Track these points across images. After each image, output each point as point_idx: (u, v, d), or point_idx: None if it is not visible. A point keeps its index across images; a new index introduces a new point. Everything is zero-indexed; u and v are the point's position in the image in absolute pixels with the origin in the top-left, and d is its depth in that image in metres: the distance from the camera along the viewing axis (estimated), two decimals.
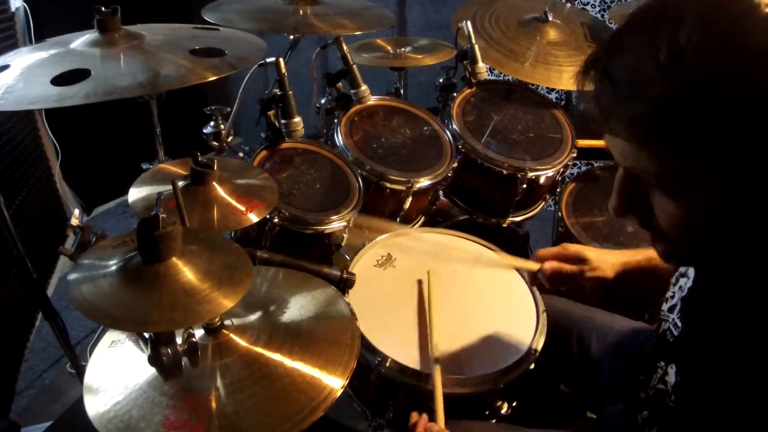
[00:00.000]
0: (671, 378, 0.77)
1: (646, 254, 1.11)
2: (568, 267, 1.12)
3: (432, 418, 0.99)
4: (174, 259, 0.73)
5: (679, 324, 0.80)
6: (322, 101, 1.69)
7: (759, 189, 0.58)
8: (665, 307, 0.86)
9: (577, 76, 0.64)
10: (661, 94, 0.55)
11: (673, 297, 0.85)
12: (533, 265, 1.16)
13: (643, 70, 0.56)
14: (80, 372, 1.29)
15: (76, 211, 1.11)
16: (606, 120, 0.61)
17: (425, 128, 1.69)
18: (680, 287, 0.84)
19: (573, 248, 1.14)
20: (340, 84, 1.63)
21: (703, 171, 0.57)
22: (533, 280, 1.20)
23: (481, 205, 1.72)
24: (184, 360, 0.77)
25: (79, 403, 0.82)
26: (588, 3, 2.66)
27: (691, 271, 0.81)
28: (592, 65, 0.62)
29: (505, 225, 1.72)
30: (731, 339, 0.65)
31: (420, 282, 1.28)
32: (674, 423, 0.76)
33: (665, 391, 0.78)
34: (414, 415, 1.01)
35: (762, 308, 0.62)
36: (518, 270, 1.32)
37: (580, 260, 1.12)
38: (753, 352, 0.61)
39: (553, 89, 2.60)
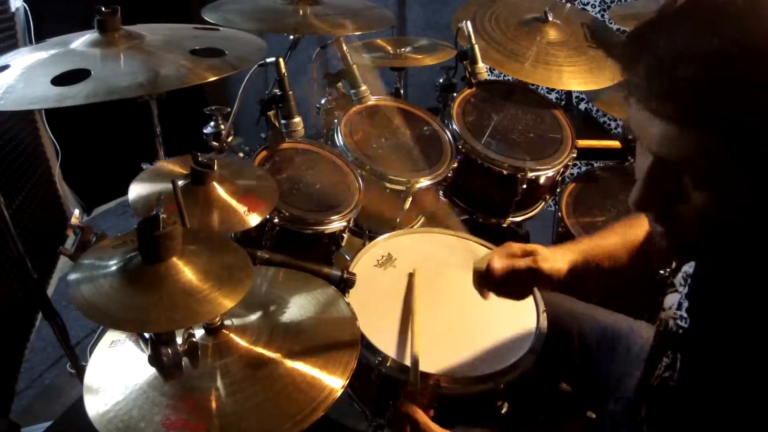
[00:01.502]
0: (677, 365, 0.78)
1: (594, 242, 1.07)
2: (519, 262, 1.03)
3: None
4: (174, 259, 0.73)
5: (686, 316, 0.80)
6: (322, 101, 1.69)
7: None
8: (667, 307, 0.87)
9: (619, 56, 0.62)
10: (717, 73, 0.54)
11: (680, 296, 0.85)
12: (478, 267, 1.05)
13: (699, 46, 0.55)
14: (80, 372, 1.29)
15: (76, 211, 1.12)
16: (654, 97, 0.59)
17: (425, 128, 1.69)
18: (681, 284, 0.84)
19: (516, 245, 1.06)
20: (340, 84, 1.63)
21: (747, 158, 0.57)
22: (480, 285, 1.08)
23: (481, 205, 1.72)
24: (184, 360, 0.77)
25: (79, 403, 0.82)
26: (588, 3, 2.66)
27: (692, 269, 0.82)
28: (640, 42, 0.61)
29: (505, 225, 1.72)
30: (733, 330, 0.66)
31: (409, 280, 1.27)
32: (676, 415, 0.76)
33: (668, 378, 0.78)
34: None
35: (764, 297, 0.63)
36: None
37: (529, 253, 1.04)
38: (756, 341, 0.62)
39: (553, 89, 2.60)
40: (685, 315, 0.81)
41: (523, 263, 1.03)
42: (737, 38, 0.54)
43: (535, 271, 1.01)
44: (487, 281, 1.06)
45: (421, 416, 0.94)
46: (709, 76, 0.55)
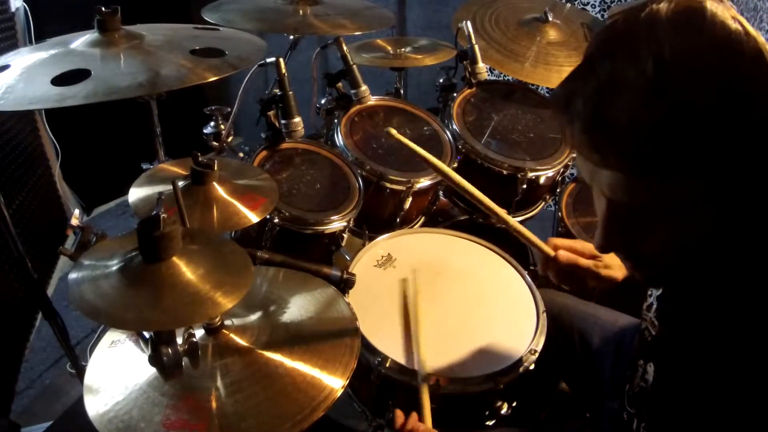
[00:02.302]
0: (650, 377, 0.77)
1: None
2: (583, 261, 1.08)
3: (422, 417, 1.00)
4: (174, 259, 0.73)
5: (656, 323, 0.81)
6: (322, 101, 1.69)
7: (745, 207, 0.59)
8: (645, 305, 0.87)
9: (557, 109, 0.63)
10: (656, 122, 0.55)
11: (650, 296, 0.85)
12: (548, 249, 1.11)
13: (634, 97, 0.56)
14: (80, 372, 1.29)
15: (76, 211, 1.12)
16: (600, 155, 0.60)
17: (425, 128, 1.69)
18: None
19: (588, 245, 1.11)
20: (340, 84, 1.63)
21: (696, 194, 0.58)
22: (544, 266, 1.14)
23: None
24: (184, 360, 0.77)
25: (79, 403, 0.82)
26: (588, 3, 2.66)
27: None
28: (571, 100, 0.61)
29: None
30: (705, 337, 0.66)
31: (406, 284, 1.27)
32: (656, 420, 0.76)
33: (646, 390, 0.78)
34: (399, 415, 1.01)
35: (735, 307, 0.63)
36: (520, 270, 1.31)
37: (594, 257, 1.09)
38: (726, 350, 0.62)
39: (553, 89, 2.59)
40: (654, 320, 0.81)
41: (586, 263, 1.08)
42: (662, 80, 0.54)
43: (594, 273, 1.07)
44: (551, 265, 1.11)
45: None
46: (645, 124, 0.55)
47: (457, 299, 1.26)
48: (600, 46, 0.61)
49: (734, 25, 0.55)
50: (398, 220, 1.56)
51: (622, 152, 0.58)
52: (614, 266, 1.08)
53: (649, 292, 0.87)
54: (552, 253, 1.10)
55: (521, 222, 1.75)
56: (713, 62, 0.54)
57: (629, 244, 0.67)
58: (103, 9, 1.11)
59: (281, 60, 1.34)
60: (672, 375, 0.73)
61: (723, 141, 0.54)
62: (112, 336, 0.92)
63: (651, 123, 0.55)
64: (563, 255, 1.08)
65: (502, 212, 1.15)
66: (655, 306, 0.83)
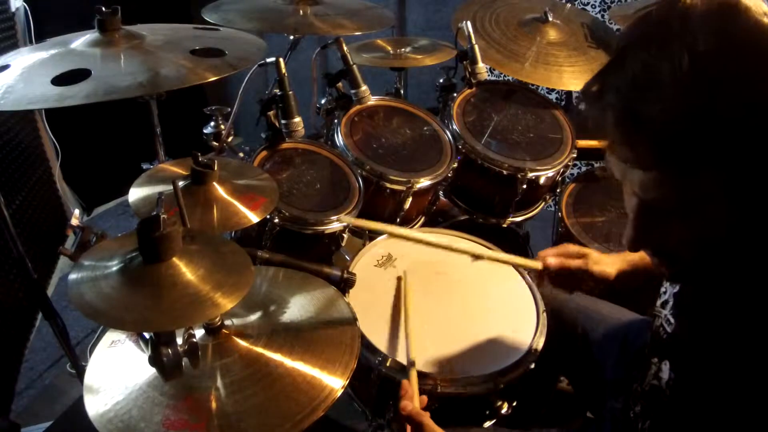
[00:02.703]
0: (665, 374, 0.77)
1: (640, 254, 1.11)
2: (572, 262, 1.12)
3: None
4: (174, 259, 0.73)
5: (672, 320, 0.81)
6: (322, 101, 1.69)
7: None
8: (658, 302, 0.87)
9: (589, 102, 0.63)
10: (687, 115, 0.54)
11: (665, 293, 0.85)
12: (536, 264, 1.16)
13: (666, 91, 0.55)
14: (80, 372, 1.29)
15: (76, 211, 1.12)
16: (630, 147, 0.60)
17: (425, 128, 1.69)
18: (672, 283, 0.84)
19: (574, 247, 1.15)
20: (340, 84, 1.63)
21: (720, 187, 0.58)
22: (539, 279, 1.19)
23: (481, 206, 1.72)
24: (184, 360, 0.77)
25: (79, 403, 0.82)
26: (588, 3, 2.66)
27: None
28: (603, 93, 0.61)
29: (505, 225, 1.72)
30: (723, 335, 0.66)
31: (402, 283, 1.27)
32: (669, 418, 0.76)
33: (659, 388, 0.78)
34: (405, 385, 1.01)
35: (753, 305, 0.62)
36: (520, 269, 1.32)
37: (582, 256, 1.13)
38: (745, 348, 0.62)
39: (553, 89, 2.59)
40: (670, 317, 0.81)
41: (574, 263, 1.11)
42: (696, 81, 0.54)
43: (585, 272, 1.10)
44: (544, 275, 1.16)
45: (425, 417, 0.94)
46: (678, 118, 0.55)
47: (457, 299, 1.26)
48: (633, 38, 0.61)
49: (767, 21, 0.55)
50: (398, 220, 1.56)
51: (653, 146, 0.58)
52: (604, 262, 1.10)
53: (663, 289, 0.86)
54: (540, 265, 1.14)
55: (521, 222, 1.77)
56: (747, 58, 0.54)
57: (658, 240, 0.67)
58: (103, 9, 1.11)
59: (281, 60, 1.34)
60: (690, 373, 0.72)
61: (752, 136, 0.54)
62: (112, 336, 0.92)
63: (684, 118, 0.55)
64: (552, 261, 1.12)
65: (476, 250, 1.18)
66: (671, 303, 0.82)
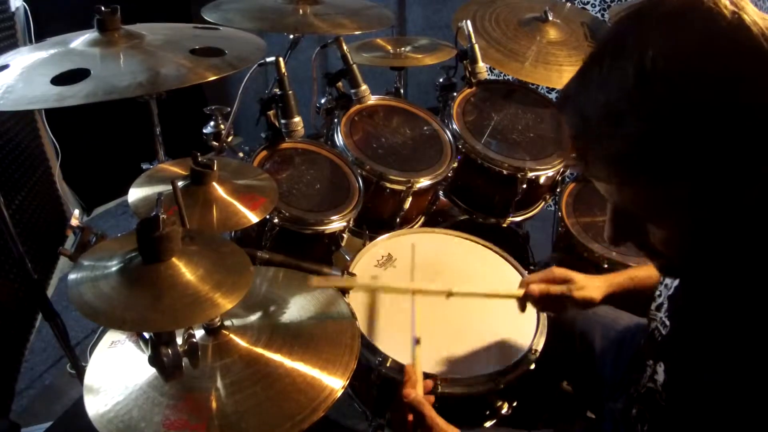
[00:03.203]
0: (660, 377, 0.77)
1: (627, 274, 1.12)
2: (555, 288, 1.10)
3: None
4: (174, 259, 0.73)
5: (667, 323, 0.81)
6: (322, 101, 1.68)
7: (737, 202, 0.58)
8: (653, 306, 0.87)
9: (557, 116, 0.65)
10: (637, 131, 0.54)
11: (660, 296, 0.85)
12: (518, 293, 1.14)
13: (615, 106, 0.55)
14: (80, 372, 1.29)
15: (76, 211, 1.12)
16: (585, 165, 0.61)
17: (425, 128, 1.69)
18: (666, 286, 0.84)
19: (559, 271, 1.13)
20: (340, 83, 1.62)
21: (683, 195, 0.58)
22: (522, 306, 1.16)
23: (481, 205, 1.72)
24: (184, 360, 0.77)
25: (79, 403, 0.82)
26: (588, 2, 2.66)
27: None
28: (564, 104, 0.62)
29: (505, 225, 1.72)
30: (718, 337, 0.66)
31: (405, 282, 1.27)
32: (665, 420, 0.76)
33: (655, 390, 0.78)
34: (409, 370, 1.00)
35: (747, 307, 0.62)
36: (519, 268, 1.32)
37: (566, 281, 1.11)
38: (739, 350, 0.61)
39: (553, 89, 2.59)
40: (665, 320, 0.81)
41: (558, 289, 1.10)
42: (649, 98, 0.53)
43: (568, 297, 1.08)
44: (528, 301, 1.14)
45: (427, 407, 0.93)
46: (630, 140, 0.55)
47: (457, 299, 1.25)
48: (595, 47, 0.61)
49: (731, 17, 0.52)
50: (398, 220, 1.56)
51: (608, 159, 0.58)
52: (589, 287, 1.09)
53: (658, 293, 0.86)
54: (521, 294, 1.12)
55: (521, 221, 1.77)
56: (699, 60, 0.52)
57: (637, 237, 0.68)
58: (103, 9, 1.11)
59: (281, 59, 1.34)
60: (685, 374, 0.72)
61: (708, 142, 0.53)
62: (112, 336, 0.92)
63: (635, 129, 0.54)
64: (534, 288, 1.10)
65: (453, 290, 1.15)
66: (666, 306, 0.82)
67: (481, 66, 1.70)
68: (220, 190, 1.06)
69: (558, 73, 1.74)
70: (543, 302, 1.12)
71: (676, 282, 0.82)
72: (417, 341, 1.05)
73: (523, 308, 1.14)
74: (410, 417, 0.93)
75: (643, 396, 0.82)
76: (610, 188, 0.62)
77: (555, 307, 1.15)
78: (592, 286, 1.09)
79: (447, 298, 1.13)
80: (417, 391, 0.94)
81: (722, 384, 0.63)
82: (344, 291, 1.15)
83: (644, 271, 1.10)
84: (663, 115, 0.53)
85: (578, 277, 1.11)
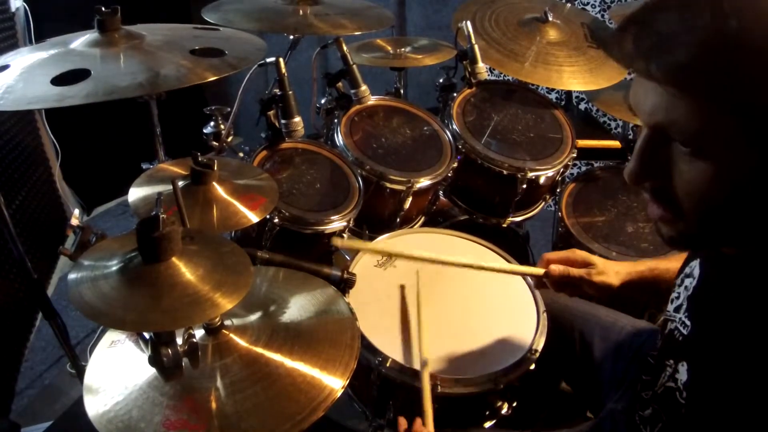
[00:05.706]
0: (682, 376, 0.77)
1: (647, 265, 1.11)
2: (575, 270, 1.10)
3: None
4: (174, 259, 0.73)
5: (688, 323, 0.80)
6: (322, 101, 1.69)
7: None
8: (671, 307, 0.86)
9: (618, 37, 0.63)
10: (708, 39, 0.54)
11: (678, 297, 0.85)
12: (538, 271, 1.14)
13: (691, 17, 0.56)
14: (80, 372, 1.29)
15: (76, 211, 1.12)
16: (646, 65, 0.59)
17: (425, 128, 1.69)
18: (686, 287, 0.83)
19: (580, 253, 1.14)
20: (340, 84, 1.63)
21: (734, 134, 0.56)
22: (539, 284, 1.19)
23: (481, 205, 1.72)
24: (184, 360, 0.77)
25: (79, 403, 0.82)
26: (588, 3, 2.66)
27: (696, 271, 0.81)
28: (631, 22, 0.61)
29: (505, 225, 1.72)
30: (741, 335, 0.65)
31: (405, 282, 1.27)
32: (684, 420, 0.76)
33: (675, 389, 0.78)
34: (402, 422, 1.02)
35: None
36: (522, 275, 1.32)
37: (587, 265, 1.11)
38: (763, 347, 0.61)
39: (553, 89, 2.60)
40: (686, 320, 0.81)
41: (577, 272, 1.10)
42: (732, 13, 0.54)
43: (587, 281, 1.09)
44: (542, 284, 1.16)
45: None
46: (700, 47, 0.55)
47: (457, 299, 1.26)
48: None
49: None
50: (398, 220, 1.56)
51: (673, 65, 0.57)
52: (608, 272, 1.09)
53: (676, 294, 0.85)
54: (542, 272, 1.13)
55: (521, 222, 1.77)
56: None
57: (659, 177, 0.65)
58: (103, 9, 1.11)
59: (281, 60, 1.34)
60: (710, 373, 0.72)
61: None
62: (112, 336, 0.92)
63: (702, 41, 0.55)
64: (554, 268, 1.11)
65: (479, 261, 1.18)
66: (685, 306, 0.82)
67: (481, 66, 1.70)
68: (220, 190, 1.06)
69: (558, 74, 1.74)
70: (560, 283, 1.12)
71: (695, 282, 0.81)
72: (425, 363, 1.05)
73: (539, 285, 1.16)
74: None
75: (660, 396, 0.81)
76: (661, 101, 0.60)
77: (571, 290, 1.15)
78: (611, 271, 1.10)
79: (464, 269, 1.15)
80: (428, 429, 0.96)
81: (748, 383, 0.62)
82: (347, 287, 1.16)
83: (664, 264, 1.09)
84: (736, 34, 0.53)
85: (599, 261, 1.11)
